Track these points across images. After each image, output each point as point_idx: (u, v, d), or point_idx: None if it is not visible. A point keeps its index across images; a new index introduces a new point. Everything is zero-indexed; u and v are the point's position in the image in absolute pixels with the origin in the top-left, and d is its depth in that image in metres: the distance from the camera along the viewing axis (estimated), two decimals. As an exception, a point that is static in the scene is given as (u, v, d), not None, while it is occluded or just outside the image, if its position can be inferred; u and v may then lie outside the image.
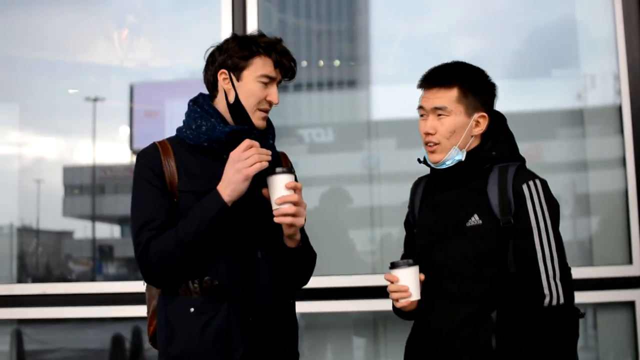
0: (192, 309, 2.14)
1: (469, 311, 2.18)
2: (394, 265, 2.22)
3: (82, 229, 5.48)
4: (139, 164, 2.23)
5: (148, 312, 2.35)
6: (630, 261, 3.59)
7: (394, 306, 2.32)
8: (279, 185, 2.11)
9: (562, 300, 2.10)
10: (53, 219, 4.93)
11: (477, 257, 2.19)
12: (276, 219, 2.13)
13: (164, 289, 2.22)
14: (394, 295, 2.21)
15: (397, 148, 3.99)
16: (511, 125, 2.35)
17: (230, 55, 2.22)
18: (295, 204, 2.11)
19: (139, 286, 3.61)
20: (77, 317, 3.84)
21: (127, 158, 4.93)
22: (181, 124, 2.30)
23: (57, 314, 3.78)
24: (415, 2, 4.08)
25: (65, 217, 5.42)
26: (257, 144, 2.13)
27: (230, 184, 2.10)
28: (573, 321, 2.15)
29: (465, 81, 2.25)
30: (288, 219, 2.11)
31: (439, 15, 4.02)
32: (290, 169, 2.15)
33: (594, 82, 3.88)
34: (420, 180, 2.47)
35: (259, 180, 2.15)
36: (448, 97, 2.24)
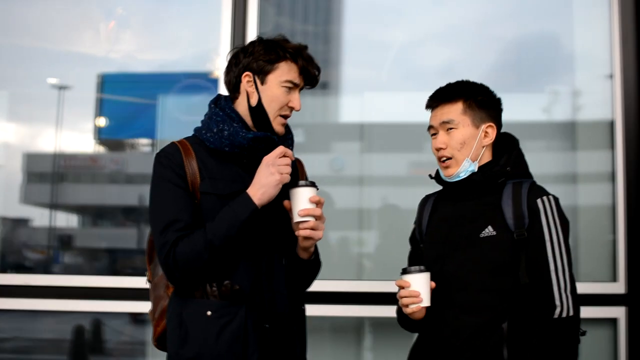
0: (209, 312, 2.13)
1: (480, 321, 2.21)
2: (405, 271, 2.23)
3: (40, 217, 5.40)
4: (159, 164, 2.20)
5: (154, 313, 2.32)
6: (614, 279, 3.64)
7: (399, 315, 2.35)
8: (303, 198, 2.12)
9: (571, 312, 2.16)
10: (10, 206, 4.84)
11: (489, 268, 2.23)
12: (298, 232, 2.14)
13: (183, 289, 2.18)
14: (405, 301, 2.22)
15: (362, 151, 4.01)
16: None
17: (256, 59, 2.21)
18: (316, 218, 2.13)
19: (98, 280, 3.64)
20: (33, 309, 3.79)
21: (90, 147, 4.88)
22: (199, 125, 2.28)
23: (13, 305, 3.72)
24: (391, 10, 4.10)
25: (23, 205, 5.33)
26: (290, 153, 2.15)
27: (263, 187, 2.10)
28: (578, 337, 2.20)
29: (469, 95, 2.34)
30: (308, 232, 2.12)
31: (414, 23, 4.06)
32: (313, 183, 2.15)
33: (557, 98, 3.95)
34: (428, 197, 2.52)
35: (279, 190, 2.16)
36: (454, 110, 2.33)
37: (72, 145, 4.79)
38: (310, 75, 2.26)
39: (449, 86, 2.39)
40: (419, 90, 3.88)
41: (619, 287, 3.60)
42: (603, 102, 3.82)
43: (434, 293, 2.24)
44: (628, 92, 3.71)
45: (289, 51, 2.21)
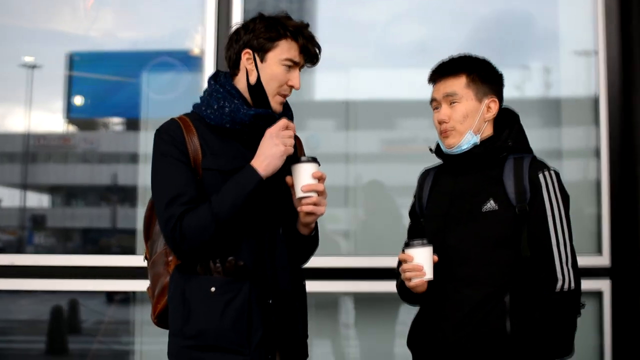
0: (213, 289, 2.11)
1: (482, 295, 2.23)
2: (408, 245, 2.24)
3: (10, 197, 5.33)
4: (160, 140, 2.18)
5: (154, 290, 2.30)
6: (599, 251, 3.68)
7: (401, 288, 2.36)
8: (306, 174, 2.13)
9: (572, 286, 2.19)
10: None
11: (491, 242, 2.24)
12: (301, 207, 2.15)
13: (186, 266, 2.17)
14: (408, 275, 2.22)
15: (337, 129, 4.01)
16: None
17: (257, 36, 2.19)
18: (319, 193, 2.14)
19: (73, 259, 3.63)
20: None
21: (61, 127, 4.82)
22: (199, 101, 2.28)
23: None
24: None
25: (-7, 185, 5.27)
26: (293, 125, 2.16)
27: (267, 158, 2.11)
28: (579, 309, 2.23)
29: (472, 69, 2.33)
30: (311, 207, 2.14)
31: (386, 1, 4.03)
32: (315, 159, 2.16)
33: (531, 75, 3.97)
34: (428, 171, 2.52)
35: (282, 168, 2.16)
36: (457, 83, 2.32)
37: (43, 124, 4.72)
38: (311, 54, 2.24)
39: (452, 60, 2.38)
40: (395, 68, 3.92)
41: (603, 260, 3.65)
42: (587, 78, 3.85)
43: (435, 267, 2.25)
44: (611, 69, 3.73)
45: (289, 29, 2.20)
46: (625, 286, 3.63)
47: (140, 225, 3.26)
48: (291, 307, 2.22)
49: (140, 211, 3.85)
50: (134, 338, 3.98)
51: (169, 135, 2.17)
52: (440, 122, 2.34)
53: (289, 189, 2.19)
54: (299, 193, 2.14)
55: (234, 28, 2.28)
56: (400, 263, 2.29)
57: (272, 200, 2.20)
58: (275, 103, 2.22)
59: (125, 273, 3.56)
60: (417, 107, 3.74)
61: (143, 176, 3.98)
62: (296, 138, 2.37)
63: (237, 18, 3.71)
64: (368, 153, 3.99)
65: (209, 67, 3.69)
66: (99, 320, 5.36)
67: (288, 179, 2.17)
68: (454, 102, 2.32)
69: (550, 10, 4.02)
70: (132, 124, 4.22)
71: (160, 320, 2.28)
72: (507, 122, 2.38)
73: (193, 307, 2.13)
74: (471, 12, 3.97)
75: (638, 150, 3.60)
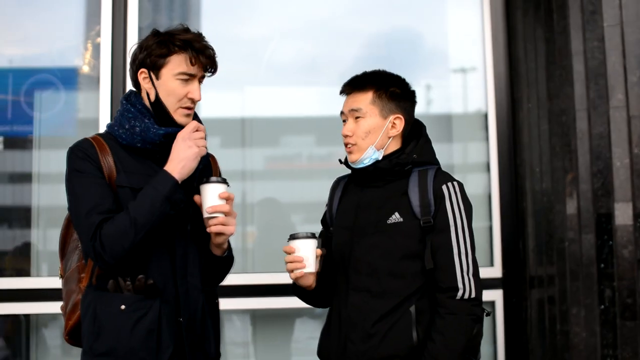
0: (122, 307, 2.11)
1: (388, 306, 2.26)
2: (292, 237, 2.27)
3: None
4: (74, 157, 2.18)
5: (66, 307, 2.27)
6: (491, 263, 3.79)
7: (293, 284, 2.37)
8: (213, 194, 2.15)
9: (473, 294, 2.23)
10: None
11: (397, 254, 2.27)
12: (209, 229, 2.17)
13: (99, 281, 2.16)
14: (289, 266, 2.26)
15: (222, 147, 4.01)
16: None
17: (149, 54, 2.20)
18: (226, 214, 2.16)
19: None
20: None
21: None
22: (112, 121, 2.27)
23: None
24: (247, 6, 4.06)
25: None
26: (203, 127, 2.19)
27: (182, 160, 2.13)
28: (480, 317, 2.27)
29: (381, 85, 2.37)
30: (219, 228, 2.16)
31: (270, 19, 4.04)
32: (224, 180, 2.18)
33: (421, 92, 4.06)
34: (339, 180, 2.54)
35: (190, 183, 2.19)
36: (363, 99, 2.36)
37: None
38: (204, 64, 2.24)
39: (364, 75, 2.42)
40: (281, 86, 3.93)
41: (495, 271, 3.77)
42: (476, 96, 3.97)
43: (344, 277, 2.30)
44: (499, 86, 3.88)
45: (177, 44, 2.20)
46: (514, 296, 3.75)
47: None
48: (203, 325, 2.24)
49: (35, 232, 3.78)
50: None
51: (83, 153, 2.18)
52: (344, 137, 2.38)
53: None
54: (205, 213, 2.16)
55: (132, 48, 2.29)
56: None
57: (185, 219, 2.22)
58: (179, 117, 2.22)
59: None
60: (303, 123, 3.85)
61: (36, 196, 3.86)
62: (211, 157, 2.42)
63: (132, 35, 3.70)
64: (262, 170, 3.99)
65: (105, 85, 3.67)
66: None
67: (196, 198, 2.19)
68: (358, 117, 2.35)
69: (438, 29, 4.13)
70: (22, 143, 4.07)
71: (72, 337, 2.27)
72: (414, 134, 2.42)
73: (103, 324, 2.13)
74: (360, 29, 4.02)
75: (524, 165, 3.73)
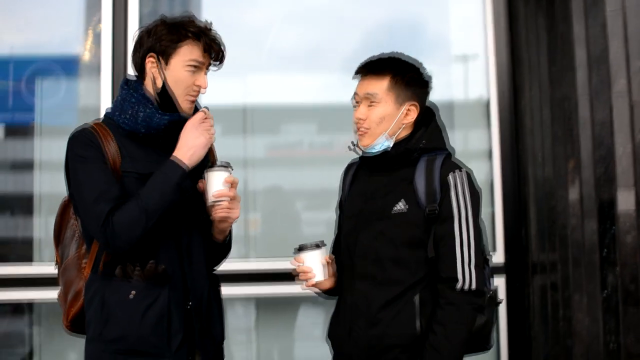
0: (132, 293, 2.12)
1: (392, 294, 2.25)
2: (298, 249, 2.30)
3: None
4: (77, 144, 2.16)
5: (66, 296, 2.27)
6: (494, 250, 3.79)
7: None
8: (218, 180, 2.16)
9: (473, 286, 2.21)
10: None
11: (401, 242, 2.26)
12: (214, 215, 2.19)
13: (106, 268, 2.15)
14: (299, 277, 2.30)
15: (223, 135, 4.00)
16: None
17: (159, 40, 2.18)
18: (231, 199, 2.18)
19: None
20: None
21: None
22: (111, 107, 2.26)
23: None
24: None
25: None
26: (211, 115, 2.19)
27: (191, 148, 2.14)
28: (482, 307, 2.26)
29: (398, 71, 2.32)
30: (224, 213, 2.18)
31: (272, 6, 4.03)
32: (228, 165, 2.19)
33: (434, 79, 4.06)
34: (351, 165, 2.52)
35: (196, 172, 2.18)
36: (380, 85, 2.31)
37: None
38: (215, 54, 2.25)
39: (380, 59, 2.36)
40: (283, 73, 3.93)
41: (497, 257, 3.76)
42: (478, 83, 3.97)
43: (350, 264, 2.31)
44: (501, 74, 3.87)
45: (191, 31, 2.20)
46: (517, 282, 3.76)
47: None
48: (209, 310, 2.26)
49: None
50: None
51: (85, 139, 2.16)
52: (357, 121, 2.34)
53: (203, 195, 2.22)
54: (210, 199, 2.17)
55: (137, 33, 2.27)
56: None
57: (190, 206, 2.22)
58: (184, 105, 2.22)
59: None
60: (305, 111, 3.83)
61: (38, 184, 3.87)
62: None
63: (133, 23, 3.69)
64: (264, 158, 4.00)
65: (106, 73, 3.67)
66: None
67: (200, 184, 2.20)
68: (373, 103, 2.31)
69: (440, 16, 4.11)
70: (23, 131, 4.07)
71: (74, 325, 2.27)
72: (424, 120, 2.39)
73: (112, 311, 2.14)
74: (362, 17, 4.01)
75: (527, 152, 3.72)
